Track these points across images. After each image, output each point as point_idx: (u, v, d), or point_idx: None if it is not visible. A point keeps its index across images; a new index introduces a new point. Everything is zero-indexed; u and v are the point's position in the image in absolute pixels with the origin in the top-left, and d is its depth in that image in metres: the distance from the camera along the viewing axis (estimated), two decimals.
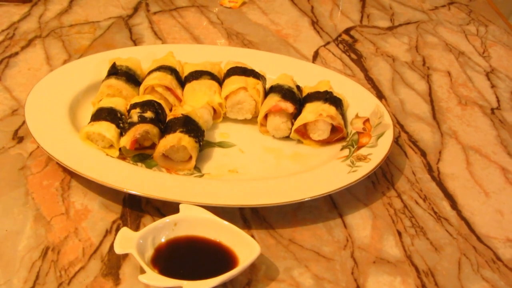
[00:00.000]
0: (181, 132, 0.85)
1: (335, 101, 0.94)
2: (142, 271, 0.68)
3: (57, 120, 0.90)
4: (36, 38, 1.19)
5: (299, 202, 0.81)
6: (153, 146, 0.88)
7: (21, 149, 0.90)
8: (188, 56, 1.05)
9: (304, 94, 0.98)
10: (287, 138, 0.94)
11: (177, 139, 0.84)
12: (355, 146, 0.90)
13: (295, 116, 0.94)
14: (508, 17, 1.42)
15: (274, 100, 0.93)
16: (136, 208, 0.80)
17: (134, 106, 0.89)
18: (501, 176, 0.92)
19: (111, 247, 0.74)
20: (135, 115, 0.87)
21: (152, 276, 0.66)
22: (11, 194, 0.81)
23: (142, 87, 0.96)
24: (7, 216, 0.78)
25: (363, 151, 0.88)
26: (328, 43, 1.27)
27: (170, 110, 0.94)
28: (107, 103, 0.90)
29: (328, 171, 0.85)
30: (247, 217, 0.81)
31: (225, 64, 1.03)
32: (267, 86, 0.99)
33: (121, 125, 0.88)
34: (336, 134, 0.93)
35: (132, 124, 0.86)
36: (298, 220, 0.81)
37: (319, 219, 0.81)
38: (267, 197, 0.79)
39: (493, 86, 1.16)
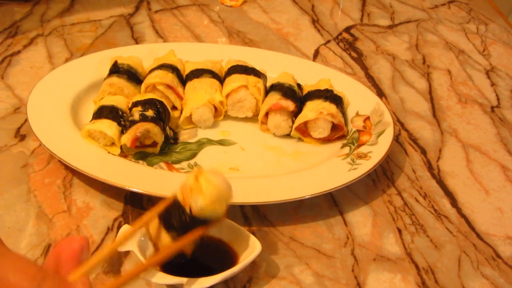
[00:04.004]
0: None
1: (336, 99, 0.94)
2: None
3: (59, 118, 0.91)
4: (38, 36, 1.20)
5: (299, 199, 0.81)
6: (154, 144, 0.88)
7: (23, 147, 0.90)
8: (189, 54, 1.05)
9: (304, 92, 0.98)
10: (288, 136, 0.95)
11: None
12: (356, 144, 0.90)
13: (295, 114, 0.94)
14: (508, 16, 1.42)
15: (274, 98, 0.94)
16: (138, 206, 0.81)
17: (135, 104, 0.89)
18: (501, 173, 0.93)
19: None
20: (136, 113, 0.87)
21: (153, 274, 0.67)
22: (13, 192, 0.82)
23: (143, 86, 0.96)
24: (9, 213, 0.78)
25: (363, 149, 0.88)
26: (328, 41, 1.27)
27: (171, 108, 0.95)
28: (108, 101, 0.90)
29: (328, 169, 0.85)
30: (248, 215, 0.81)
31: (226, 62, 1.03)
32: (268, 84, 1.00)
33: (122, 123, 0.88)
34: (337, 132, 0.93)
35: (134, 122, 0.87)
36: (299, 218, 0.81)
37: (320, 216, 0.82)
38: (267, 195, 0.79)
39: (493, 84, 1.16)
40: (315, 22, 1.35)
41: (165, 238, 0.63)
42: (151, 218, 0.63)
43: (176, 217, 0.62)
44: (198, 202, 0.60)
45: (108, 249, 0.55)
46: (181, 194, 0.62)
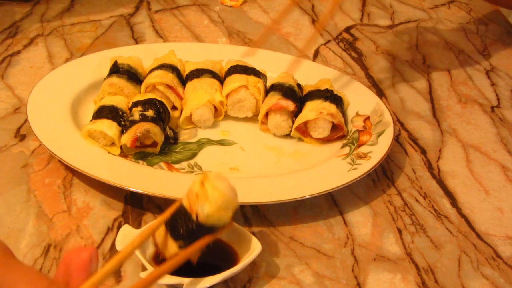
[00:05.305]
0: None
1: (336, 99, 0.94)
2: (144, 268, 0.68)
3: (59, 118, 0.91)
4: (38, 36, 1.20)
5: (299, 199, 0.81)
6: (154, 144, 0.88)
7: (23, 147, 0.90)
8: (189, 54, 1.05)
9: (304, 92, 0.98)
10: (288, 136, 0.95)
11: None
12: (356, 144, 0.90)
13: (295, 114, 0.94)
14: (508, 16, 1.42)
15: (275, 98, 0.94)
16: (138, 206, 0.81)
17: (136, 104, 0.89)
18: (501, 173, 0.93)
19: (113, 244, 0.74)
20: (136, 113, 0.87)
21: None
22: (13, 192, 0.82)
23: (143, 86, 0.96)
24: (9, 213, 0.78)
25: (363, 149, 0.88)
26: (328, 41, 1.27)
27: (171, 108, 0.95)
28: (108, 101, 0.90)
29: (328, 169, 0.85)
30: (248, 215, 0.81)
31: (226, 62, 1.03)
32: (268, 84, 1.00)
33: (122, 123, 0.88)
34: (337, 132, 0.93)
35: (134, 122, 0.87)
36: (299, 218, 0.81)
37: (320, 216, 0.82)
38: (267, 195, 0.79)
39: (493, 84, 1.16)
40: (315, 22, 1.34)
41: (172, 246, 0.63)
42: (158, 226, 0.62)
43: (183, 225, 0.61)
44: (205, 209, 0.60)
45: (117, 259, 0.54)
46: (187, 201, 0.61)
